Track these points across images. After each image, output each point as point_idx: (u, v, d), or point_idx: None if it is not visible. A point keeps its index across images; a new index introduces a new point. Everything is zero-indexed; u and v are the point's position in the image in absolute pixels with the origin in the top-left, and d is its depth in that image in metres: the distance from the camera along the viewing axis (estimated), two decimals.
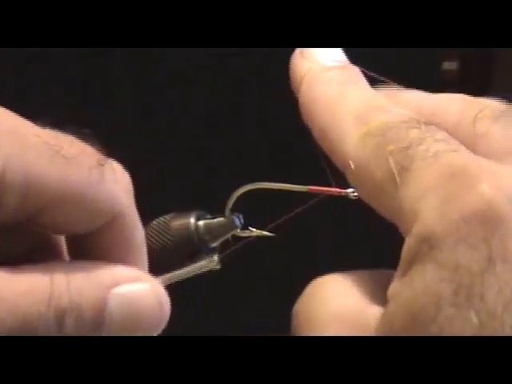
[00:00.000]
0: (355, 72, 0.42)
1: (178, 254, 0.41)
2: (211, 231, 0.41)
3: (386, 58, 1.30)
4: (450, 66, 1.43)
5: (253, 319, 1.23)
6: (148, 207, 1.30)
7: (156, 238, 0.42)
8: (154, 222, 0.42)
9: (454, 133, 0.38)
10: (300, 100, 0.42)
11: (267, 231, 0.41)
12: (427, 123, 0.37)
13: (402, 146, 0.35)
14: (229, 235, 0.41)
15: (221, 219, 0.41)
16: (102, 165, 0.38)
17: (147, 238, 0.42)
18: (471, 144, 0.37)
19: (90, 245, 0.37)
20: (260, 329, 1.35)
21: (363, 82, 0.42)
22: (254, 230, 0.41)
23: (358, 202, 0.38)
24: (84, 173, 0.37)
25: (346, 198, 0.38)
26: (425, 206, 0.33)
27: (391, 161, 0.35)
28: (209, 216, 0.41)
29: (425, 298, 0.32)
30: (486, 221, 0.32)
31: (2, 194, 0.34)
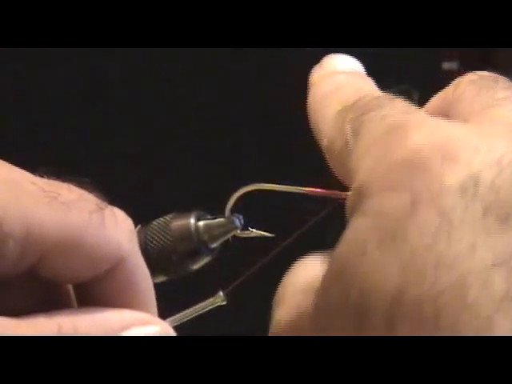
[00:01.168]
0: (361, 76, 0.41)
1: (177, 254, 0.41)
2: (211, 232, 0.41)
3: (386, 58, 1.30)
4: (449, 66, 1.43)
5: (253, 319, 1.23)
6: (148, 207, 1.30)
7: (156, 238, 0.42)
8: (154, 223, 0.42)
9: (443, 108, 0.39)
10: (307, 103, 0.42)
11: (267, 232, 0.41)
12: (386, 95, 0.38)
13: (358, 114, 0.36)
14: (229, 236, 0.41)
15: (221, 220, 0.41)
16: (102, 209, 0.37)
17: (147, 238, 0.42)
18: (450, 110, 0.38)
19: (96, 291, 0.37)
20: (260, 329, 1.35)
21: (366, 83, 0.41)
22: (254, 230, 0.41)
23: None
24: (84, 217, 0.36)
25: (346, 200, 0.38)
26: (362, 163, 0.33)
27: (347, 127, 0.35)
28: (209, 216, 0.41)
29: (352, 248, 0.32)
30: (410, 168, 0.32)
31: (2, 243, 0.33)
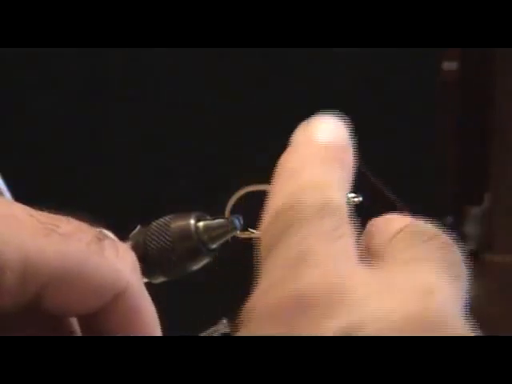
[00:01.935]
0: (326, 160, 0.39)
1: (177, 255, 0.41)
2: (211, 232, 0.41)
3: (386, 57, 1.31)
4: (449, 66, 1.43)
5: None
6: (148, 208, 1.30)
7: (156, 239, 0.42)
8: (154, 223, 0.42)
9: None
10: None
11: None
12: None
13: (280, 227, 0.36)
14: (229, 236, 0.41)
15: (221, 220, 0.41)
16: (101, 240, 0.37)
17: (147, 239, 0.42)
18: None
19: (100, 322, 0.37)
20: None
21: (323, 175, 0.39)
22: (254, 231, 0.41)
23: (358, 205, 0.38)
24: (82, 248, 0.36)
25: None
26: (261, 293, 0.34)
27: (267, 239, 0.35)
28: (209, 217, 0.41)
29: None
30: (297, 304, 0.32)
31: (0, 275, 0.33)
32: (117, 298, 0.36)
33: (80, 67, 1.21)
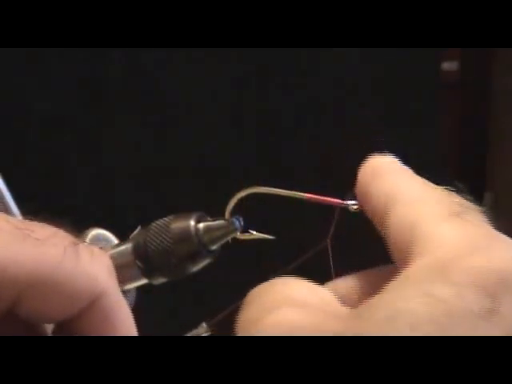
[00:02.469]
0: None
1: (177, 256, 0.41)
2: (211, 234, 0.41)
3: (386, 57, 1.31)
4: (449, 66, 1.43)
5: None
6: (148, 209, 1.30)
7: (156, 240, 0.42)
8: (154, 224, 0.42)
9: None
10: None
11: (267, 234, 0.41)
12: None
13: (463, 204, 0.35)
14: (229, 238, 0.41)
15: (221, 222, 0.41)
16: (77, 245, 0.37)
17: (147, 240, 0.42)
18: None
19: (76, 328, 0.36)
20: None
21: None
22: (255, 232, 0.41)
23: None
24: (58, 253, 0.36)
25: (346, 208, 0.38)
26: (451, 244, 0.33)
27: (448, 206, 0.35)
28: (209, 218, 0.41)
29: None
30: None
31: None
32: (93, 303, 0.36)
33: (80, 67, 1.21)
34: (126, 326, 0.37)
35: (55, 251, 0.35)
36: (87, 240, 0.44)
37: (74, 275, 0.35)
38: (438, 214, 0.34)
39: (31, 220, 0.38)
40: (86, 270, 0.36)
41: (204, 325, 0.42)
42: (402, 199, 0.36)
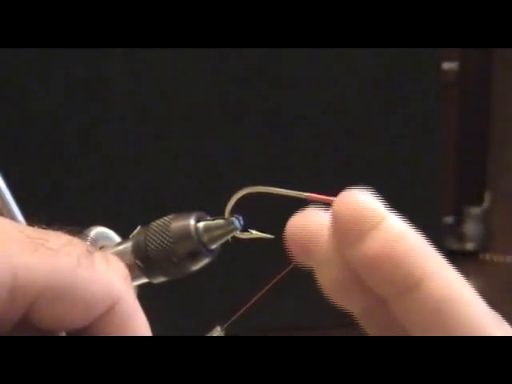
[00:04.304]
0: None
1: (177, 255, 0.41)
2: (211, 233, 0.41)
3: (386, 57, 1.31)
4: (449, 66, 1.43)
5: (252, 319, 1.23)
6: (148, 208, 1.30)
7: (156, 239, 0.41)
8: (154, 223, 0.42)
9: None
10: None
11: (267, 233, 0.41)
12: None
13: None
14: (229, 237, 0.41)
15: (221, 221, 0.41)
16: (91, 253, 0.36)
17: (147, 239, 0.42)
18: None
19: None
20: (259, 329, 1.35)
21: None
22: (254, 231, 0.41)
23: None
24: (72, 262, 0.35)
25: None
26: None
27: None
28: (209, 217, 0.41)
29: None
30: None
31: None
32: (108, 311, 0.36)
33: (80, 67, 1.21)
34: (142, 333, 0.37)
35: (69, 260, 0.35)
36: (89, 239, 0.44)
37: (88, 284, 0.35)
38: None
39: (45, 228, 0.37)
40: (101, 278, 0.36)
41: (218, 328, 0.42)
42: None
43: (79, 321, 0.35)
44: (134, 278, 0.43)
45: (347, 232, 0.34)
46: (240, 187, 0.39)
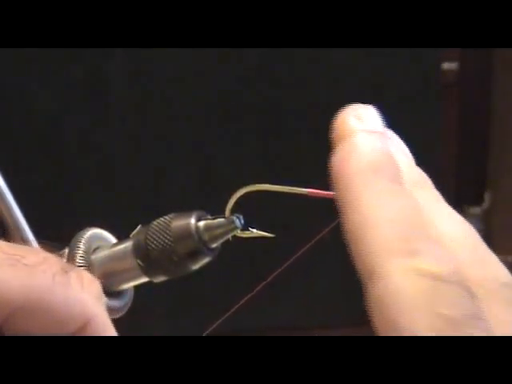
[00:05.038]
0: (406, 173, 0.36)
1: (178, 254, 0.41)
2: (212, 232, 0.41)
3: (386, 57, 1.31)
4: (449, 66, 1.43)
5: (252, 319, 1.23)
6: (148, 207, 1.30)
7: (156, 238, 0.42)
8: (155, 223, 0.42)
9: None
10: (338, 163, 0.35)
11: (267, 232, 0.41)
12: (475, 296, 0.32)
13: (455, 317, 0.31)
14: (229, 236, 0.41)
15: (221, 220, 0.41)
16: (67, 272, 0.37)
17: (147, 238, 0.42)
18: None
19: None
20: (259, 328, 1.35)
21: (412, 188, 0.36)
22: (255, 230, 0.41)
23: None
24: (47, 279, 0.36)
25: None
26: None
27: (437, 326, 0.30)
28: (209, 216, 0.41)
29: None
30: None
31: None
32: (81, 329, 0.36)
33: (80, 67, 1.21)
34: None
35: (44, 278, 0.35)
36: (84, 240, 0.44)
37: (63, 302, 0.35)
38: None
39: (22, 245, 0.38)
40: (75, 296, 0.36)
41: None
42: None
43: None
44: (134, 276, 0.43)
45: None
46: (240, 187, 0.39)
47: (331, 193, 0.35)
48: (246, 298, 0.40)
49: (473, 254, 0.34)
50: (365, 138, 0.35)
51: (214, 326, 0.42)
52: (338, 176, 0.35)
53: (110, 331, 0.37)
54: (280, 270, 0.39)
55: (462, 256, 0.34)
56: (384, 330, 0.31)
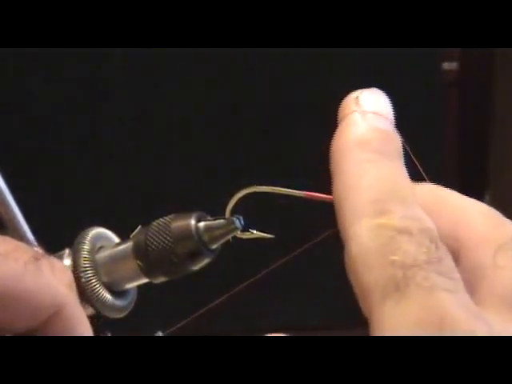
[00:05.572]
0: (394, 147, 0.38)
1: (178, 255, 0.41)
2: (212, 233, 0.41)
3: (386, 57, 1.31)
4: (449, 66, 1.43)
5: (253, 319, 1.23)
6: (148, 208, 1.30)
7: (156, 239, 0.42)
8: (155, 223, 0.42)
9: (471, 251, 0.36)
10: (333, 141, 0.38)
11: (267, 233, 0.41)
12: (439, 245, 0.33)
13: (406, 262, 0.32)
14: (229, 237, 0.41)
15: (221, 221, 0.41)
16: (38, 259, 0.37)
17: (148, 239, 0.42)
18: (481, 273, 0.35)
19: None
20: (260, 329, 1.35)
21: (397, 160, 0.39)
22: (255, 231, 0.41)
23: None
24: (19, 268, 0.36)
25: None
26: (394, 328, 0.31)
27: (389, 272, 0.32)
28: (209, 217, 0.41)
29: None
30: None
31: None
32: (53, 316, 0.36)
33: (80, 67, 1.21)
34: None
35: (16, 266, 0.36)
36: (89, 239, 0.44)
37: (34, 289, 0.36)
38: (380, 288, 0.32)
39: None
40: (47, 284, 0.36)
41: (160, 333, 0.42)
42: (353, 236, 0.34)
43: (24, 325, 0.36)
44: (134, 277, 0.43)
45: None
46: (240, 187, 0.39)
47: (329, 196, 0.35)
48: (221, 299, 0.40)
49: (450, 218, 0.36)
50: (356, 117, 0.37)
51: (183, 323, 0.42)
52: (331, 151, 0.38)
53: (82, 318, 0.38)
54: (269, 269, 0.39)
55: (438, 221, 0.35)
56: (355, 288, 0.33)
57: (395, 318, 0.31)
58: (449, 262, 0.33)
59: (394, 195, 0.35)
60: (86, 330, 0.37)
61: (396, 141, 0.38)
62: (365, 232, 0.33)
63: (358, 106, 0.38)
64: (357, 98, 0.39)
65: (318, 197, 0.37)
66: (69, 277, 0.38)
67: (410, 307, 0.31)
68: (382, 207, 0.34)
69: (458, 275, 0.32)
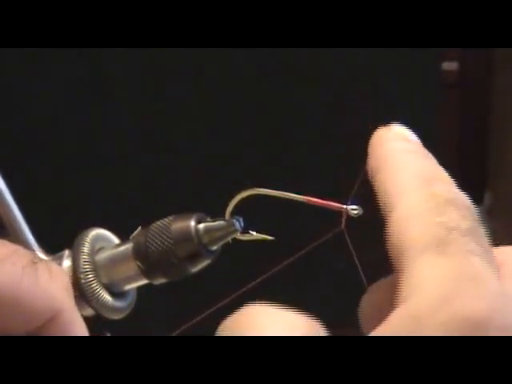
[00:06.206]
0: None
1: (178, 256, 0.41)
2: (211, 234, 0.41)
3: (386, 57, 1.31)
4: (449, 66, 1.43)
5: None
6: (148, 209, 1.30)
7: (156, 240, 0.42)
8: (155, 225, 0.42)
9: None
10: (373, 136, 0.41)
11: (267, 235, 0.41)
12: (479, 223, 0.37)
13: (450, 225, 0.35)
14: (229, 238, 0.41)
15: (221, 222, 0.41)
16: (35, 263, 0.37)
17: (147, 240, 0.42)
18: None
19: None
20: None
21: (434, 159, 0.43)
22: (255, 233, 0.41)
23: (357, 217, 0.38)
24: (16, 272, 0.36)
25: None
26: (427, 292, 0.32)
27: (433, 230, 0.34)
28: (209, 219, 0.41)
29: None
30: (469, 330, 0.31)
31: None
32: (50, 320, 0.36)
33: (80, 67, 1.21)
34: None
35: (13, 270, 0.36)
36: (88, 240, 0.44)
37: (31, 294, 0.36)
38: (423, 241, 0.34)
39: (22, 245, 0.38)
40: (44, 288, 0.36)
41: (108, 334, 0.42)
42: (399, 207, 0.36)
43: (20, 329, 0.36)
44: (134, 278, 0.43)
45: None
46: (240, 188, 0.39)
47: (332, 203, 0.35)
48: (225, 301, 0.41)
49: None
50: (400, 127, 0.44)
51: (188, 325, 0.42)
52: (371, 143, 0.41)
53: (79, 322, 0.38)
54: (272, 270, 0.39)
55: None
56: (393, 248, 0.35)
57: (433, 269, 0.33)
58: (486, 238, 0.36)
59: (439, 177, 0.38)
60: (82, 334, 0.37)
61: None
62: (414, 198, 0.36)
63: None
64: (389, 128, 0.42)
65: (317, 202, 0.37)
66: (66, 281, 0.38)
67: (448, 263, 0.33)
68: (429, 182, 0.37)
69: (491, 249, 0.36)
